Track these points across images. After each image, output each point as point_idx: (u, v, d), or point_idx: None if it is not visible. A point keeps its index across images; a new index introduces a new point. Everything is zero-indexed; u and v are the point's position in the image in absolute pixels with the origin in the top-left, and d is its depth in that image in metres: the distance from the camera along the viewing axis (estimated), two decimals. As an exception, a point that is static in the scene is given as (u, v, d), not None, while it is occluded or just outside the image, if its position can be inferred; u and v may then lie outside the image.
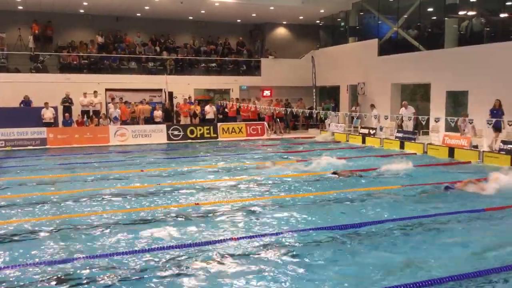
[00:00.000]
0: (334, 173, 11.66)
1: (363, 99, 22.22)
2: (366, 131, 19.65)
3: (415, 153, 16.05)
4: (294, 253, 6.19)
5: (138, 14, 24.72)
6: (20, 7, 22.46)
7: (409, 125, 18.06)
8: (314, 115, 22.78)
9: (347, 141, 20.00)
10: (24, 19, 23.16)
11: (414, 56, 19.41)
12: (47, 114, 19.26)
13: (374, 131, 19.28)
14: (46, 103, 19.33)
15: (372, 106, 20.47)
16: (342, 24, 25.78)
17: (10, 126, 18.03)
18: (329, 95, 26.05)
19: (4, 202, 9.02)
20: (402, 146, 17.18)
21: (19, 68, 21.97)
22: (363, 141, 19.15)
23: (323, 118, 22.79)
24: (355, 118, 21.40)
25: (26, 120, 18.56)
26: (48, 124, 19.09)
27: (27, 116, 19.10)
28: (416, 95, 20.89)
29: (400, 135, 17.90)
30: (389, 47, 21.29)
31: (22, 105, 20.08)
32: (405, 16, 20.77)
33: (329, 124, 22.22)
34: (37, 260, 5.91)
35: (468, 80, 16.66)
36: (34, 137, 18.39)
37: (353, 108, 22.26)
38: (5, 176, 12.14)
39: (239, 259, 5.93)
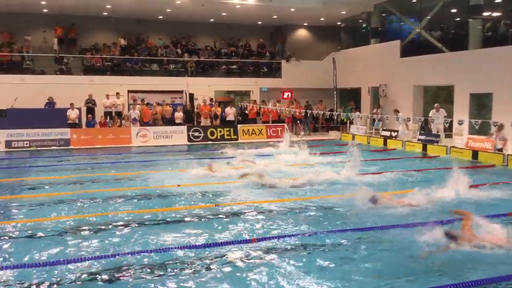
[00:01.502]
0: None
1: (384, 101, 21.98)
2: (387, 133, 19.44)
3: (439, 156, 15.84)
4: (315, 255, 6.18)
5: (160, 17, 24.99)
6: (45, 10, 22.93)
7: (440, 129, 17.72)
8: (335, 117, 22.60)
9: (368, 143, 19.84)
10: (48, 21, 23.67)
11: (437, 57, 19.14)
12: (72, 115, 19.65)
13: (395, 133, 19.06)
14: (71, 104, 19.72)
15: (396, 111, 19.93)
16: (364, 25, 25.59)
17: (35, 126, 18.45)
18: (350, 97, 25.88)
19: (26, 201, 9.21)
20: (424, 149, 16.94)
21: (44, 70, 22.45)
22: (385, 144, 18.95)
23: (344, 120, 22.63)
24: (376, 121, 21.18)
25: (51, 121, 18.94)
26: (72, 125, 19.48)
27: (51, 117, 19.48)
28: (439, 97, 20.56)
29: (423, 137, 17.67)
30: (412, 48, 21.03)
31: (46, 106, 20.48)
32: (428, 17, 20.52)
33: (350, 127, 22.06)
34: (58, 259, 6.00)
35: (493, 82, 16.35)
36: (58, 137, 18.76)
37: (374, 110, 22.05)
38: (29, 175, 12.39)
39: (256, 261, 5.93)
